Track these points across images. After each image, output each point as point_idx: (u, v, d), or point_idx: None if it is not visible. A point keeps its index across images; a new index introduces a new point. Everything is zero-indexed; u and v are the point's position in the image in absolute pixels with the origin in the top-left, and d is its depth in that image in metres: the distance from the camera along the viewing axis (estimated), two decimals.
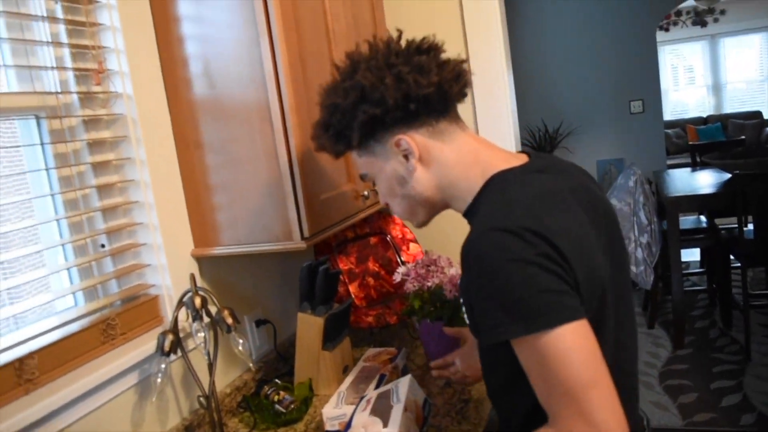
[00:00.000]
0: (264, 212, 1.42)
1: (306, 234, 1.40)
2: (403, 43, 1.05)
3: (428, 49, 1.04)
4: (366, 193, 1.68)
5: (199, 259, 1.53)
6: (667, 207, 3.81)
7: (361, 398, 1.34)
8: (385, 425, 1.17)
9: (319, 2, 1.56)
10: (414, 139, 1.04)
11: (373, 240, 2.00)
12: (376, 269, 1.97)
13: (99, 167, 1.39)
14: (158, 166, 1.43)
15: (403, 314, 1.70)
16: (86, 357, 1.26)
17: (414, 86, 0.99)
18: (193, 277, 1.33)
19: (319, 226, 1.45)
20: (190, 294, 1.30)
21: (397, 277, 1.70)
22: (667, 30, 9.58)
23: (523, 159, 1.08)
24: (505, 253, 0.89)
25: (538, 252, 0.89)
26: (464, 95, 1.08)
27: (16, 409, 1.10)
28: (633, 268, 3.89)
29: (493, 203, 0.98)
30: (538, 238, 0.90)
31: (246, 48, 1.36)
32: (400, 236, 2.04)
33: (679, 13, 9.44)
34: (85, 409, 1.22)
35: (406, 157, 1.05)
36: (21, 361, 1.13)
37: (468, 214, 1.06)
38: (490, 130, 2.08)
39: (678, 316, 3.88)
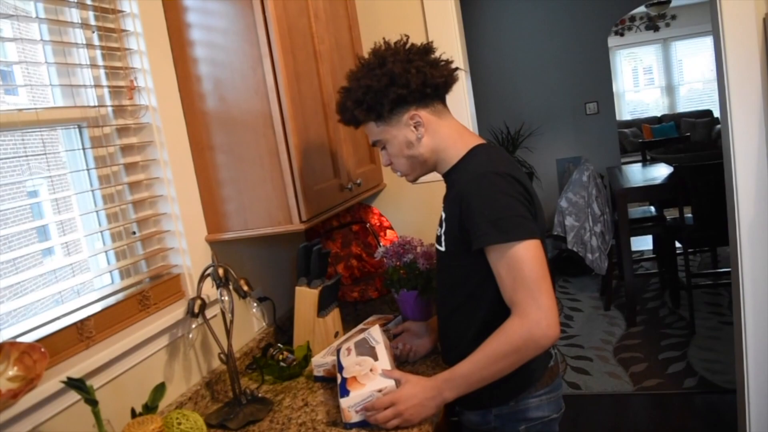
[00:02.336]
0: (267, 201, 1.72)
1: (303, 218, 1.71)
2: (412, 44, 1.48)
3: (432, 50, 1.49)
4: (349, 186, 2.00)
5: (212, 243, 1.82)
6: (617, 198, 4.19)
7: (338, 349, 1.64)
8: (375, 360, 1.48)
9: (308, 27, 1.87)
10: (422, 115, 1.46)
11: (354, 227, 2.31)
12: (359, 252, 2.28)
13: (130, 167, 1.67)
14: (177, 166, 1.72)
15: (384, 286, 2.01)
16: (129, 321, 1.54)
17: (430, 76, 1.42)
18: (215, 254, 1.63)
19: (314, 211, 1.76)
20: (213, 268, 1.59)
21: (378, 255, 2.01)
22: (621, 35, 10.09)
23: (484, 140, 1.54)
24: (497, 186, 1.34)
25: (515, 190, 1.35)
26: (452, 86, 1.51)
27: (79, 360, 1.38)
28: (589, 255, 4.26)
29: (481, 160, 1.44)
30: (516, 181, 1.38)
31: (251, 67, 1.66)
32: (378, 224, 2.35)
33: (633, 19, 9.95)
34: (130, 362, 1.50)
35: (416, 127, 1.47)
36: (82, 322, 1.42)
37: (450, 172, 1.50)
38: None
39: (630, 297, 4.26)
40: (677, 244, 4.35)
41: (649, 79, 10.65)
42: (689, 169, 3.83)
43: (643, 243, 5.92)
